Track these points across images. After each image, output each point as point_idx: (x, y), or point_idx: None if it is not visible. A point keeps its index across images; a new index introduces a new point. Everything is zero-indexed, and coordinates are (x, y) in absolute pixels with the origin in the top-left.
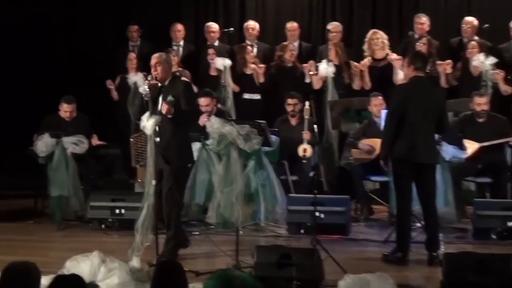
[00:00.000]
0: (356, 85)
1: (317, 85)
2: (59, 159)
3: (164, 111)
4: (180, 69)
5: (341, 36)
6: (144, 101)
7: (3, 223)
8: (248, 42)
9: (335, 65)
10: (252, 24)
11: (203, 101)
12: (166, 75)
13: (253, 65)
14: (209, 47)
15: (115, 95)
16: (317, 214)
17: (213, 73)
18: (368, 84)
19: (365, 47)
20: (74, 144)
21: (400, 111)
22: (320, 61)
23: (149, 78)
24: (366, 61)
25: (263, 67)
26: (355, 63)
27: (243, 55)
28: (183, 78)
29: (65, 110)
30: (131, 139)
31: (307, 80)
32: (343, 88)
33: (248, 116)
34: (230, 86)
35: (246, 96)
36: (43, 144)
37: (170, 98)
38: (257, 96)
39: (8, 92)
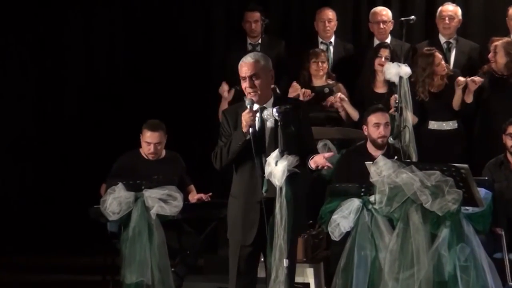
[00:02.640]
0: None
1: None
2: (138, 224)
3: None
4: (331, 81)
5: None
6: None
7: None
8: (441, 37)
9: None
10: (452, 10)
11: None
12: (267, 91)
13: (461, 78)
14: (380, 46)
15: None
16: None
17: (379, 89)
18: None
19: None
20: (162, 201)
21: None
22: None
23: (246, 103)
24: None
25: (477, 80)
26: None
27: (430, 59)
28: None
29: (148, 141)
30: None
31: None
32: None
33: (437, 157)
34: (410, 110)
35: (434, 125)
36: (115, 200)
37: (291, 128)
38: (452, 125)
39: (64, 119)
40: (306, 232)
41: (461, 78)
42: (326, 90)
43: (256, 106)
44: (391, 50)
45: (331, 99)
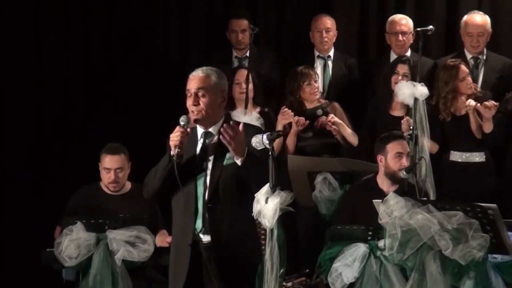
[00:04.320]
0: None
1: None
2: (100, 272)
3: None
4: (323, 100)
5: None
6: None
7: None
8: (468, 53)
9: None
10: (480, 23)
11: None
12: (214, 113)
13: (471, 102)
14: (397, 62)
15: None
16: None
17: (395, 111)
18: None
19: None
20: (129, 244)
21: None
22: None
23: (180, 120)
24: None
25: (490, 105)
26: None
27: (453, 72)
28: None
29: (108, 166)
30: None
31: None
32: None
33: (461, 195)
34: (426, 138)
35: (457, 156)
36: (72, 243)
37: (228, 160)
38: (480, 157)
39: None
40: (302, 283)
41: (471, 102)
42: (319, 112)
43: (200, 131)
44: (410, 66)
45: (322, 119)
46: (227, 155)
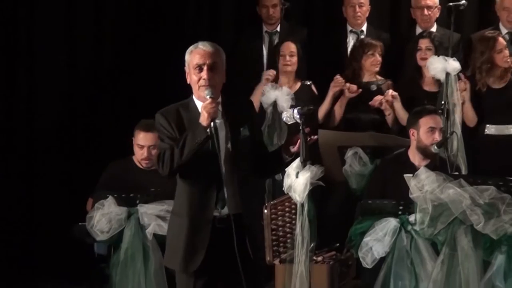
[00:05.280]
0: None
1: None
2: (131, 246)
3: None
4: (380, 77)
5: None
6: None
7: None
8: (503, 28)
9: None
10: None
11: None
12: (219, 89)
13: None
14: (418, 37)
15: None
16: None
17: (429, 87)
18: None
19: None
20: (160, 218)
21: None
22: None
23: (206, 93)
24: None
25: None
26: None
27: (490, 43)
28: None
29: (141, 143)
30: (265, 211)
31: None
32: None
33: (497, 170)
34: (458, 113)
35: (493, 129)
36: (104, 217)
37: (244, 131)
38: None
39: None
40: (332, 258)
41: None
42: (373, 87)
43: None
44: (432, 40)
45: (379, 98)
46: (242, 129)
